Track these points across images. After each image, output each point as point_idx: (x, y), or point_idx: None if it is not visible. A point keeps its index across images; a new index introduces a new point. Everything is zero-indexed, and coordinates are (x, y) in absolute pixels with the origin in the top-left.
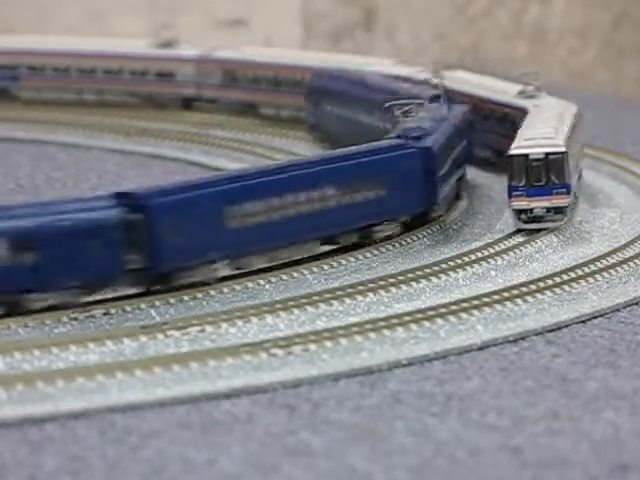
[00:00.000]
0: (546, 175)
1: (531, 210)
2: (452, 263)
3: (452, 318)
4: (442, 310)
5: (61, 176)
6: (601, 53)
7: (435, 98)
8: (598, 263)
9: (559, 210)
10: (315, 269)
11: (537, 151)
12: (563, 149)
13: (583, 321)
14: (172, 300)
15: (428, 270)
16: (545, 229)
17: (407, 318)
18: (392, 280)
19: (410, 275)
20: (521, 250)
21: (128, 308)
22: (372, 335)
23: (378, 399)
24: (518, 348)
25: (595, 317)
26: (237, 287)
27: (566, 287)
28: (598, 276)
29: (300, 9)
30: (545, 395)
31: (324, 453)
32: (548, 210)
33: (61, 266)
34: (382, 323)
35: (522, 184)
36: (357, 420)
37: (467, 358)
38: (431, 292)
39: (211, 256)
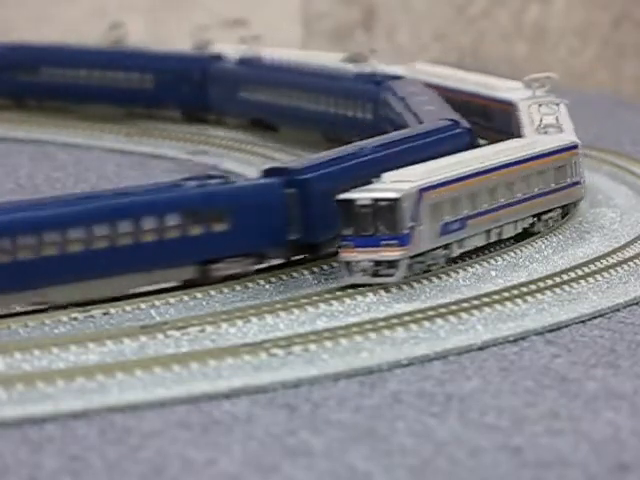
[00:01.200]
0: (374, 224)
1: (358, 263)
2: (452, 263)
3: (452, 318)
4: (442, 310)
5: (61, 176)
6: (601, 53)
7: None
8: (598, 263)
9: (391, 264)
10: (315, 269)
11: (364, 196)
12: (395, 195)
13: (583, 321)
14: (172, 300)
15: (428, 270)
16: (380, 284)
17: (407, 318)
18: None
19: (410, 275)
20: (521, 250)
21: (128, 308)
22: (372, 335)
23: (378, 399)
24: (518, 348)
25: (595, 317)
26: (237, 287)
27: (566, 287)
28: (598, 276)
29: (300, 9)
30: (545, 395)
31: (324, 453)
32: (377, 263)
33: None
34: (382, 323)
35: (350, 233)
36: (357, 420)
37: (467, 358)
38: (431, 292)
39: None
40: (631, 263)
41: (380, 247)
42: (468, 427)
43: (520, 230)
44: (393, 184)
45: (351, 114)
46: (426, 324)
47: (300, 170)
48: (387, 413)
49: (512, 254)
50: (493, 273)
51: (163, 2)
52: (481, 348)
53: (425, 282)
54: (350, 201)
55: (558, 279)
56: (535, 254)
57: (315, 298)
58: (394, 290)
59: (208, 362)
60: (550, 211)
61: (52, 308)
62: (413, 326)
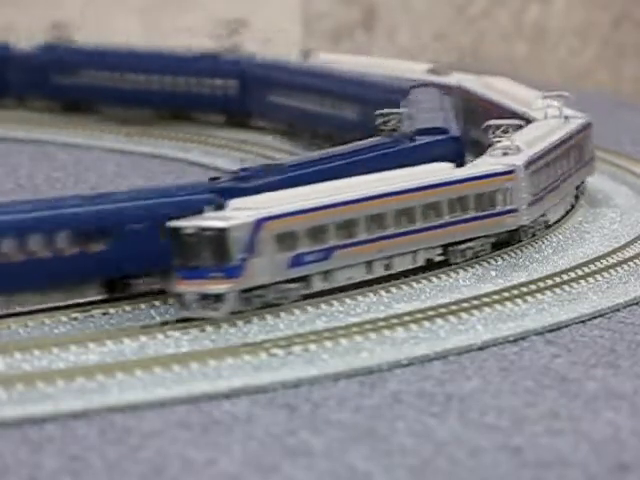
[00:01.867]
0: (200, 254)
1: (184, 295)
2: (452, 264)
3: (452, 318)
4: (442, 310)
5: (61, 176)
6: (601, 53)
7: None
8: (598, 263)
9: (217, 298)
10: None
11: (191, 225)
12: (222, 225)
13: (583, 321)
14: (172, 300)
15: (428, 271)
16: (207, 319)
17: (407, 318)
18: (392, 280)
19: (410, 275)
20: (521, 250)
21: (128, 308)
22: (372, 335)
23: (378, 399)
24: (518, 348)
25: (595, 317)
26: None
27: (566, 287)
28: (598, 276)
29: (300, 9)
30: (545, 395)
31: (324, 453)
32: (204, 297)
33: None
34: (382, 323)
35: (179, 263)
36: (357, 420)
37: (467, 358)
38: (431, 292)
39: None
40: (631, 263)
41: (207, 279)
42: (468, 427)
43: (422, 263)
44: (229, 212)
45: (209, 92)
46: (426, 324)
47: (448, 129)
48: (387, 413)
49: (512, 254)
50: (493, 273)
51: (163, 2)
52: (481, 348)
53: (425, 282)
54: (177, 229)
55: (558, 279)
56: (535, 254)
57: (315, 298)
58: (394, 290)
59: (208, 362)
60: (470, 240)
61: (54, 308)
62: (413, 326)
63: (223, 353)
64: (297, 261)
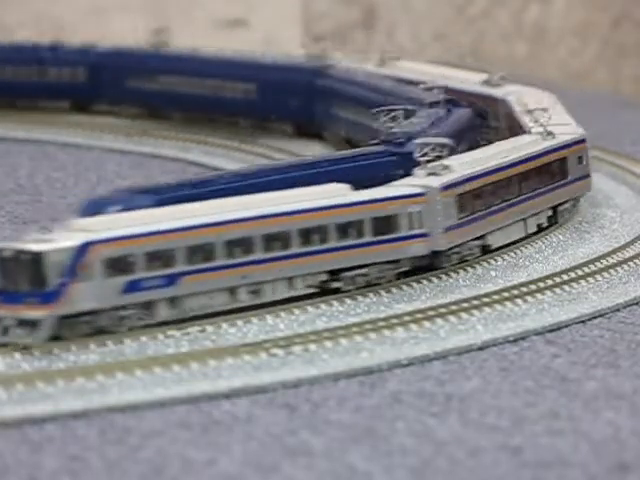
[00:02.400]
0: (17, 278)
1: (2, 319)
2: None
3: (452, 318)
4: (442, 310)
5: (61, 176)
6: (601, 53)
7: None
8: (598, 263)
9: (33, 323)
10: None
11: (7, 247)
12: (37, 249)
13: (583, 321)
14: None
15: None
16: (24, 345)
17: (407, 318)
18: (393, 281)
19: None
20: (521, 250)
21: None
22: (372, 335)
23: (378, 399)
24: (518, 348)
25: (595, 317)
26: None
27: (566, 287)
28: (598, 276)
29: (300, 9)
30: (545, 395)
31: (324, 453)
32: (21, 322)
33: None
34: (382, 323)
35: None
36: (357, 420)
37: (467, 358)
38: (431, 292)
39: None
40: (631, 263)
41: (23, 304)
42: (468, 427)
43: (303, 291)
44: (56, 234)
45: (55, 80)
46: (426, 324)
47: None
48: (387, 413)
49: (512, 254)
50: (493, 273)
51: (163, 2)
52: (481, 348)
53: (425, 282)
54: None
55: (558, 279)
56: (535, 254)
57: (315, 298)
58: (394, 290)
59: (208, 362)
60: (363, 267)
61: None
62: (413, 326)
63: (223, 353)
64: (133, 287)
